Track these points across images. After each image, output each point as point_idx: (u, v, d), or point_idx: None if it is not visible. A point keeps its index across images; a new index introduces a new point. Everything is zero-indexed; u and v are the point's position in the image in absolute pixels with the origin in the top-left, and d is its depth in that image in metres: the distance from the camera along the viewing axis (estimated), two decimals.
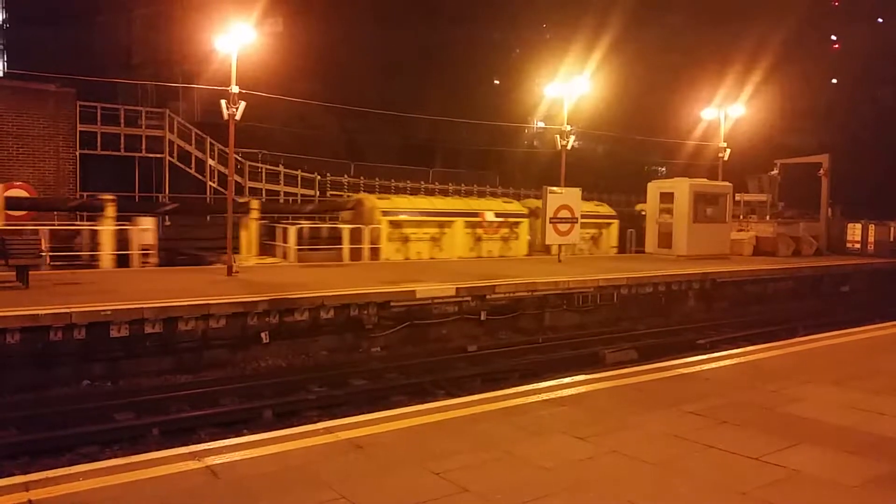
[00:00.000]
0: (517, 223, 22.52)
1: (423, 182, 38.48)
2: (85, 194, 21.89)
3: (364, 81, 38.13)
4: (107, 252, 16.49)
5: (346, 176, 35.50)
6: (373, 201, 20.88)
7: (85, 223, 18.24)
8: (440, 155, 42.36)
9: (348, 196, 24.44)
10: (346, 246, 19.25)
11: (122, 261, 16.60)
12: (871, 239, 27.38)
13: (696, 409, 6.40)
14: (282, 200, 30.96)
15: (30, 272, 12.57)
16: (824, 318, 17.84)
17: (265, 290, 12.82)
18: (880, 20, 54.00)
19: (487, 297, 14.71)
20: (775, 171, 29.98)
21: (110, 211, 17.02)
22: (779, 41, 43.47)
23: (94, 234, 16.99)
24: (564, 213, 20.04)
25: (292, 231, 18.94)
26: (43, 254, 12.82)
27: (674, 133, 33.56)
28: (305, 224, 19.91)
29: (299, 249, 18.74)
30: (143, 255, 16.89)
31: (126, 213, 17.64)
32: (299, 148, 34.45)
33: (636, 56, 44.34)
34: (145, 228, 17.21)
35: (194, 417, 9.40)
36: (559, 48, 38.04)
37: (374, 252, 19.65)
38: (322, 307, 12.61)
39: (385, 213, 20.09)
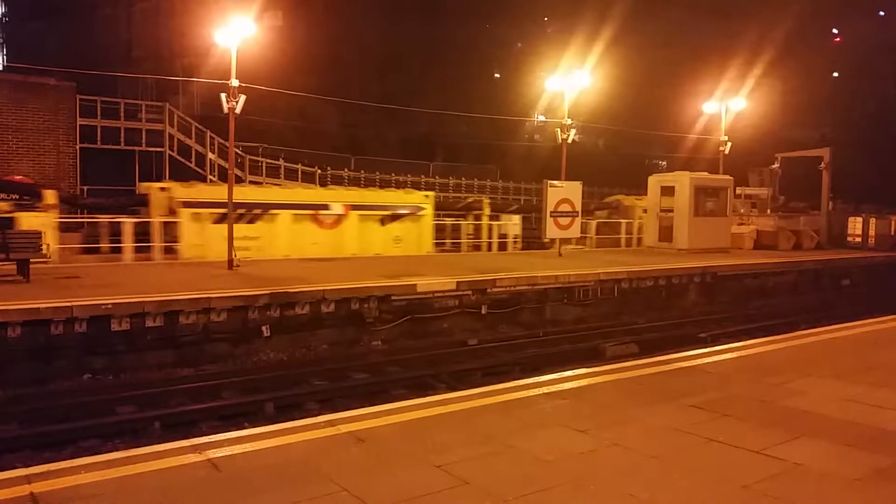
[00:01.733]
0: None
1: (423, 176, 38.46)
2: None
3: (364, 75, 38.09)
4: (485, 240, 22.36)
5: (346, 170, 35.48)
6: (632, 200, 26.71)
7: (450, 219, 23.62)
8: (441, 149, 42.33)
9: (614, 199, 29.59)
10: (623, 235, 25.13)
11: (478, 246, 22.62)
12: (871, 233, 27.36)
13: (697, 403, 6.41)
14: None
15: None
16: (825, 311, 17.85)
17: (266, 284, 12.83)
18: (881, 13, 53.87)
19: (488, 290, 14.72)
20: (776, 165, 29.93)
21: (487, 209, 23.10)
22: (780, 34, 43.37)
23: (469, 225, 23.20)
24: (565, 207, 20.04)
25: (593, 224, 24.73)
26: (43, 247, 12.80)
27: (675, 127, 33.49)
28: (602, 220, 25.39)
29: (598, 237, 24.51)
30: (514, 242, 22.72)
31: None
32: (299, 142, 34.43)
33: (637, 49, 44.24)
34: (515, 223, 23.16)
35: (196, 411, 9.42)
36: (560, 41, 37.99)
37: (639, 240, 24.66)
38: (323, 301, 12.63)
39: (645, 211, 24.76)
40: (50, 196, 16.60)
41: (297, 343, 12.49)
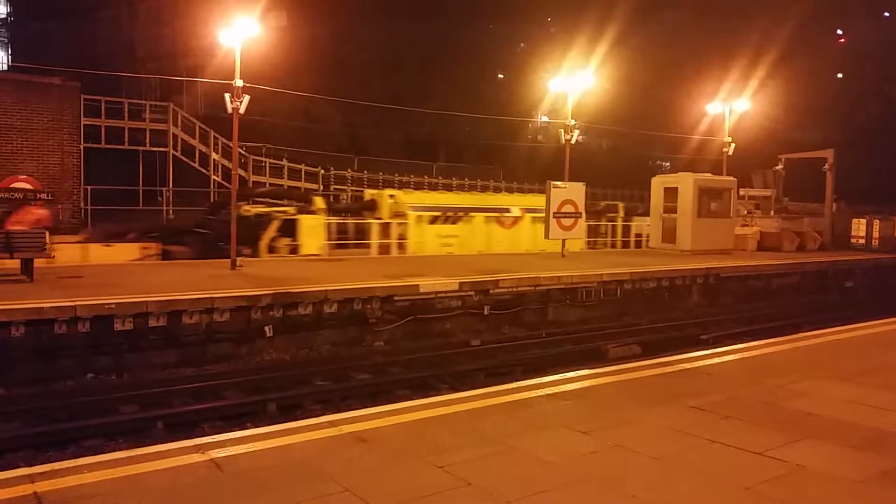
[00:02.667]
0: None
1: (426, 177, 38.46)
2: None
3: (368, 76, 38.12)
4: (621, 239, 25.15)
5: (349, 170, 35.51)
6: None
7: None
8: (444, 149, 42.33)
9: None
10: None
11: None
12: (875, 234, 27.29)
13: (700, 404, 6.40)
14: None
15: None
16: (828, 313, 17.80)
17: (269, 284, 12.83)
18: (886, 14, 53.80)
19: (490, 291, 14.71)
20: (780, 166, 29.87)
21: (621, 213, 26.02)
22: (784, 36, 43.33)
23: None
24: (568, 208, 20.01)
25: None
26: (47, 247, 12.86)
27: (678, 128, 33.49)
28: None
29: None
30: (647, 241, 24.75)
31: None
32: (303, 142, 34.48)
33: (641, 50, 44.24)
34: (647, 223, 24.97)
35: (198, 411, 9.42)
36: (564, 42, 38.02)
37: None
38: (325, 301, 12.63)
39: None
40: (319, 202, 20.11)
41: (299, 343, 12.50)
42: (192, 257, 17.33)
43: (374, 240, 19.74)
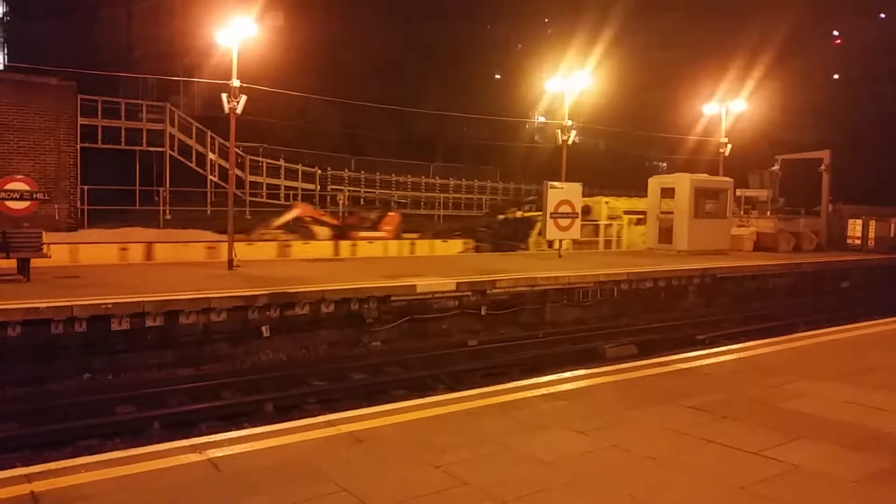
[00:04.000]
0: None
1: (423, 177, 38.47)
2: None
3: (365, 76, 38.06)
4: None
5: (346, 170, 35.47)
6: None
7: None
8: (441, 150, 42.26)
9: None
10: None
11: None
12: (871, 235, 27.35)
13: (696, 404, 6.42)
14: (282, 195, 30.99)
15: None
16: (824, 313, 17.84)
17: (266, 284, 12.84)
18: (882, 15, 53.88)
19: (488, 291, 14.73)
20: (776, 167, 29.91)
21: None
22: (780, 37, 43.33)
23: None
24: (565, 208, 20.04)
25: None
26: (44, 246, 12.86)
27: (675, 128, 33.53)
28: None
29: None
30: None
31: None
32: (300, 142, 34.42)
33: (637, 51, 44.27)
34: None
35: (195, 411, 9.43)
36: (560, 43, 38.03)
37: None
38: (323, 301, 12.63)
39: None
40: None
41: (296, 343, 12.50)
42: (489, 250, 22.64)
43: (601, 237, 24.58)
